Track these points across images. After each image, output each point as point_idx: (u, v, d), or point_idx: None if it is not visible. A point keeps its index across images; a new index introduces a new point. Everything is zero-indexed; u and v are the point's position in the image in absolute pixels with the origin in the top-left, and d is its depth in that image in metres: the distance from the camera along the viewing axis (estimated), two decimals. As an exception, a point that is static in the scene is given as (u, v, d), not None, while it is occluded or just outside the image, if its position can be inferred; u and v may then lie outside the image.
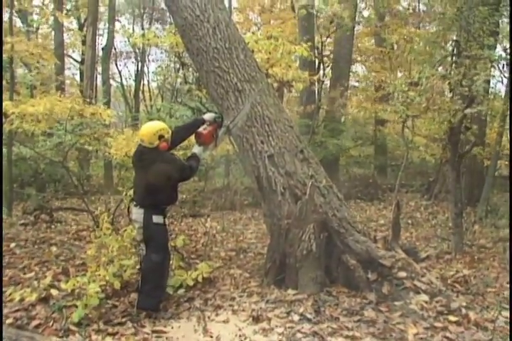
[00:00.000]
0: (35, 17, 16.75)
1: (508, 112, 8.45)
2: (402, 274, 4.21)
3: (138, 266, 4.42)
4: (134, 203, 4.21)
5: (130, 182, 9.50)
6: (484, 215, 8.80)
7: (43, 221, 8.43)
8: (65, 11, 18.44)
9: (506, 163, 12.43)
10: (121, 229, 5.15)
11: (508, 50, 7.82)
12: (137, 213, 4.09)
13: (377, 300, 4.06)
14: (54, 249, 6.21)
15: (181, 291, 4.44)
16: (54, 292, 4.11)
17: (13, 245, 6.35)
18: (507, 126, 8.69)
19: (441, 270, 5.38)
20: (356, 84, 17.93)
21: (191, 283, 4.52)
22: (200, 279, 4.57)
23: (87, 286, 3.89)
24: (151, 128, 4.09)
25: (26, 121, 6.30)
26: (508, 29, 6.42)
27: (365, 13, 12.86)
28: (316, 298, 4.09)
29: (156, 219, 4.05)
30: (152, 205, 4.07)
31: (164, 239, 4.16)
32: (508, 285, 4.80)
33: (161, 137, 4.07)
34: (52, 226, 8.19)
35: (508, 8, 6.02)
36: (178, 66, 16.74)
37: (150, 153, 4.09)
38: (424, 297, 4.05)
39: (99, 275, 4.18)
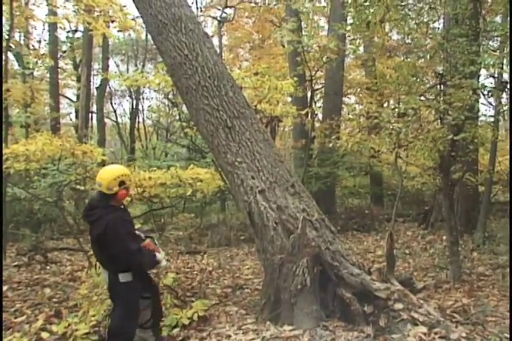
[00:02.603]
0: (31, 59, 17.06)
1: (498, 139, 8.58)
2: (399, 306, 4.16)
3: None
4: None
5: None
6: (482, 242, 8.75)
7: (37, 262, 8.34)
8: (60, 53, 18.91)
9: (502, 188, 12.50)
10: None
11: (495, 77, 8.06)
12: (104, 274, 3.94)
13: (374, 333, 3.99)
14: (47, 290, 6.12)
15: (176, 330, 4.38)
16: (45, 335, 4.04)
17: (5, 288, 6.26)
18: (498, 153, 8.80)
19: (440, 300, 5.31)
20: (348, 115, 18.19)
21: (187, 322, 4.46)
22: (195, 317, 4.51)
23: (77, 327, 3.83)
24: (111, 172, 3.83)
25: (18, 161, 6.35)
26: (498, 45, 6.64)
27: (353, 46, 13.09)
28: (313, 333, 4.02)
29: (124, 277, 3.78)
30: (114, 265, 3.80)
31: (132, 297, 3.85)
32: (509, 314, 4.73)
33: (121, 183, 3.80)
34: (47, 267, 8.09)
35: (486, 40, 6.26)
36: (169, 104, 16.99)
37: (101, 205, 3.79)
38: (423, 328, 3.98)
39: (91, 315, 4.12)
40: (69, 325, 3.94)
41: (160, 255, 3.92)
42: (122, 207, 4.04)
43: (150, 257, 3.83)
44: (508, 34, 6.21)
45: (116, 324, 3.78)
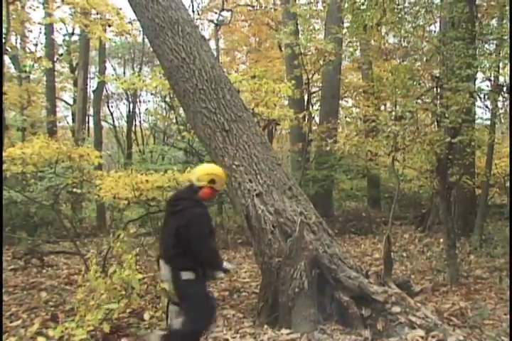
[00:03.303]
0: (28, 63, 17.07)
1: (494, 141, 8.62)
2: (396, 309, 4.16)
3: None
4: (161, 258, 3.84)
5: (122, 223, 9.47)
6: (479, 245, 8.76)
7: (33, 265, 8.30)
8: (57, 56, 18.91)
9: (498, 190, 12.53)
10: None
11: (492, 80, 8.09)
12: (165, 270, 3.75)
13: (372, 336, 3.99)
14: (44, 294, 6.07)
15: (173, 334, 4.35)
16: (41, 340, 4.00)
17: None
18: (494, 155, 8.82)
19: (437, 303, 5.31)
20: (346, 118, 18.22)
21: (184, 326, 4.43)
22: (192, 321, 4.48)
23: (74, 332, 3.81)
24: (208, 167, 3.95)
25: (15, 164, 6.33)
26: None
27: (350, 48, 13.12)
28: (310, 337, 4.02)
29: (186, 275, 3.65)
30: (179, 261, 3.67)
31: (198, 297, 3.71)
32: (506, 317, 4.74)
33: (211, 181, 3.78)
34: (43, 271, 8.05)
35: (482, 43, 6.29)
36: (166, 107, 17.00)
37: (187, 197, 3.78)
38: (420, 332, 3.98)
39: (88, 320, 4.10)
40: (65, 329, 3.91)
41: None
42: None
43: (221, 260, 3.87)
44: (505, 37, 6.24)
45: (187, 326, 3.67)
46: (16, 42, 17.63)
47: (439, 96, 6.47)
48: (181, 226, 3.59)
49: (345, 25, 11.26)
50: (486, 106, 7.53)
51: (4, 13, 9.76)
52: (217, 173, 3.86)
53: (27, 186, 10.52)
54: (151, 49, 6.87)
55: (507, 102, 7.35)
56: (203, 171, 3.83)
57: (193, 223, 3.59)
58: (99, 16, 11.04)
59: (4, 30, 10.35)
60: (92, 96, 18.53)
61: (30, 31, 17.15)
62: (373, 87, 12.96)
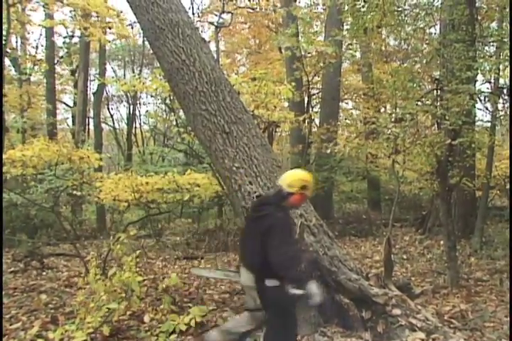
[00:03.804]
0: (28, 65, 17.10)
1: (495, 144, 8.61)
2: (397, 311, 4.15)
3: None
4: (243, 265, 3.71)
5: (122, 226, 9.48)
6: (479, 247, 8.75)
7: (33, 268, 8.30)
8: (57, 58, 18.94)
9: (498, 192, 12.53)
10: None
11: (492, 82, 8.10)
12: (247, 278, 3.62)
13: (372, 339, 3.99)
14: (43, 296, 6.06)
15: (174, 337, 4.34)
16: (41, 342, 4.01)
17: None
18: (495, 157, 8.83)
19: (438, 305, 5.30)
20: (346, 120, 18.24)
21: (184, 328, 4.43)
22: (193, 323, 4.48)
23: (74, 334, 3.80)
24: (299, 173, 3.78)
25: (15, 166, 6.34)
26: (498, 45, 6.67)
27: (351, 51, 13.14)
28: (311, 339, 4.03)
29: (270, 282, 3.51)
30: (263, 267, 3.50)
31: (285, 302, 3.56)
32: (507, 319, 4.73)
33: (303, 187, 3.66)
34: (43, 273, 8.05)
35: (481, 45, 6.29)
36: (166, 109, 17.00)
37: (273, 202, 3.65)
38: (421, 334, 3.98)
39: (88, 322, 4.09)
40: (65, 331, 3.90)
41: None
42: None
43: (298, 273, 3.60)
44: (505, 40, 6.25)
45: (273, 337, 3.59)
46: (17, 45, 17.66)
47: (439, 99, 6.47)
48: (264, 231, 3.47)
49: (346, 27, 11.27)
50: (487, 108, 7.54)
51: (4, 15, 9.77)
52: (309, 179, 3.74)
53: (27, 188, 10.52)
54: (151, 51, 6.87)
55: (507, 104, 7.34)
56: (295, 177, 3.71)
57: (274, 228, 3.47)
58: (99, 19, 11.06)
59: (4, 32, 10.36)
60: (92, 98, 18.56)
61: (30, 33, 17.12)
62: (373, 89, 12.99)
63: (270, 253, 3.40)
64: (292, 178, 3.67)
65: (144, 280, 5.37)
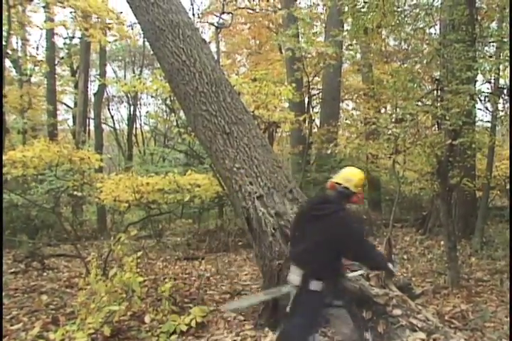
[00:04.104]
0: (29, 66, 17.12)
1: (495, 144, 8.61)
2: (397, 312, 4.15)
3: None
4: (293, 262, 3.67)
5: (123, 226, 9.49)
6: (480, 247, 8.75)
7: (34, 268, 8.30)
8: (58, 59, 18.96)
9: (499, 193, 12.53)
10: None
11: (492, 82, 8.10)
12: (295, 274, 3.56)
13: (373, 339, 3.97)
14: (44, 297, 6.06)
15: (174, 337, 4.35)
16: (42, 343, 4.02)
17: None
18: (495, 158, 8.84)
19: (438, 305, 5.30)
20: (346, 121, 18.23)
21: (185, 329, 4.44)
22: (193, 324, 4.49)
23: (75, 335, 3.80)
24: (360, 173, 3.75)
25: (15, 167, 6.35)
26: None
27: (351, 51, 13.14)
28: (311, 340, 4.00)
29: (314, 285, 3.46)
30: (316, 267, 3.49)
31: (317, 307, 3.56)
32: (507, 319, 4.73)
33: (363, 186, 3.74)
34: (44, 274, 8.06)
35: (481, 45, 6.30)
36: (167, 110, 17.01)
37: (335, 201, 3.60)
38: (421, 334, 3.98)
39: (88, 323, 4.09)
40: (66, 332, 3.91)
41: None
42: None
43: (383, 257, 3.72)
44: (505, 40, 6.25)
45: (293, 333, 3.53)
46: (17, 46, 17.67)
47: (439, 99, 6.47)
48: (327, 230, 3.43)
49: (346, 28, 11.27)
50: (487, 109, 7.54)
51: (5, 16, 9.78)
52: (364, 178, 3.79)
53: (28, 189, 10.53)
54: (152, 52, 6.88)
55: (507, 104, 7.35)
56: (359, 176, 3.71)
57: (343, 227, 3.46)
58: (99, 20, 11.06)
59: (5, 34, 10.37)
60: (92, 99, 18.56)
61: (30, 34, 17.14)
62: (374, 90, 12.96)
63: (353, 252, 3.47)
64: (358, 177, 3.68)
65: (145, 280, 5.37)
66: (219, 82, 5.25)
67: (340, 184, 3.64)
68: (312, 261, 3.47)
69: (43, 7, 13.81)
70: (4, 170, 6.43)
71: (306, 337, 3.52)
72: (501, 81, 7.96)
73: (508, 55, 6.11)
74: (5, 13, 9.90)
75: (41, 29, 15.42)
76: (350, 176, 3.68)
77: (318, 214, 3.53)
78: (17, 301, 6.04)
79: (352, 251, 3.48)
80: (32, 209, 10.98)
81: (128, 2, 5.70)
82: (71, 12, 11.40)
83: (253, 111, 7.68)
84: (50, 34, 16.76)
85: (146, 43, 16.66)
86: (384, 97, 12.81)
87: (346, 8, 7.71)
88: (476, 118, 7.72)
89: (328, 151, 7.83)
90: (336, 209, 3.49)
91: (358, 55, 13.85)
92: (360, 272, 3.97)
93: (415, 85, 6.57)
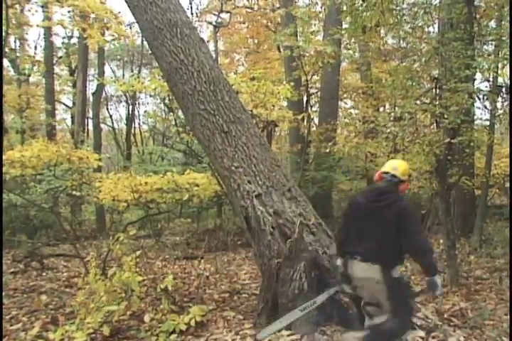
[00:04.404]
0: (26, 66, 17.10)
1: (494, 142, 8.62)
2: (397, 310, 4.14)
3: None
4: (358, 257, 3.64)
5: (121, 226, 9.47)
6: (479, 245, 8.76)
7: (33, 268, 8.30)
8: (56, 59, 18.94)
9: (497, 191, 12.54)
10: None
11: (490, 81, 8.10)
12: (368, 269, 3.57)
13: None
14: (44, 297, 6.06)
15: (174, 336, 4.34)
16: (41, 343, 4.01)
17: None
18: (494, 156, 8.85)
19: (437, 304, 5.29)
20: (345, 119, 18.22)
21: (184, 328, 4.43)
22: (193, 323, 4.48)
23: (75, 335, 3.80)
24: (405, 163, 3.94)
25: (14, 167, 6.34)
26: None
27: (349, 50, 13.14)
28: (310, 338, 4.01)
29: (396, 273, 3.58)
30: (389, 257, 3.56)
31: (407, 293, 3.74)
32: (506, 317, 4.73)
33: (410, 175, 3.90)
34: (43, 274, 8.05)
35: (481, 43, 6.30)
36: (166, 109, 17.00)
37: (391, 191, 3.69)
38: (420, 333, 3.98)
39: (88, 322, 4.09)
40: (66, 332, 3.90)
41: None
42: None
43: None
44: (503, 38, 6.25)
45: (398, 324, 3.62)
46: (15, 45, 17.66)
47: (438, 97, 6.48)
48: (393, 220, 3.51)
49: (344, 26, 11.26)
50: (485, 107, 7.53)
51: (3, 16, 9.77)
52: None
53: (26, 189, 10.52)
54: (150, 51, 6.88)
55: (506, 103, 7.35)
56: (406, 165, 3.87)
57: (406, 215, 3.54)
58: (97, 20, 11.04)
59: (3, 33, 10.35)
60: (91, 98, 18.54)
61: (27, 33, 17.10)
62: (372, 88, 12.98)
63: (408, 239, 3.48)
64: (404, 167, 3.81)
65: (144, 280, 5.36)
66: (217, 81, 5.24)
67: (388, 172, 3.77)
68: (385, 252, 3.53)
69: (41, 7, 13.81)
70: (3, 170, 6.42)
71: (410, 321, 3.71)
72: (500, 79, 7.97)
73: (507, 53, 6.12)
74: (3, 13, 9.88)
75: (38, 26, 15.37)
76: (396, 165, 3.81)
77: (378, 205, 3.61)
78: (16, 301, 6.03)
79: (411, 239, 3.51)
80: (31, 209, 10.97)
81: (126, 1, 5.69)
82: (69, 11, 11.39)
83: (251, 110, 7.67)
84: (48, 33, 16.73)
85: (145, 42, 16.64)
86: (382, 96, 12.83)
87: (345, 7, 7.71)
88: (475, 117, 7.71)
89: (327, 150, 7.85)
90: (396, 198, 3.61)
91: (357, 54, 13.87)
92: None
93: (414, 84, 6.58)
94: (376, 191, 3.80)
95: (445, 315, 4.78)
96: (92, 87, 20.57)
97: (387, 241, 3.53)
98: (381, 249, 3.53)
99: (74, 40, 18.84)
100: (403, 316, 3.64)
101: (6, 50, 13.78)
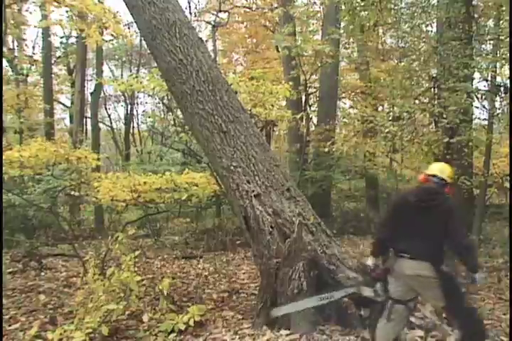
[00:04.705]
0: (25, 65, 17.09)
1: (492, 142, 8.62)
2: (395, 310, 4.15)
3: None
4: (406, 255, 3.67)
5: (120, 225, 9.48)
6: (477, 245, 8.76)
7: (31, 268, 8.28)
8: (54, 58, 18.92)
9: (496, 191, 12.54)
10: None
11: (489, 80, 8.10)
12: (418, 267, 3.63)
13: (371, 337, 3.98)
14: (42, 297, 6.06)
15: (172, 336, 4.34)
16: (40, 343, 4.00)
17: None
18: (492, 156, 8.82)
19: (436, 303, 5.30)
20: (343, 119, 18.24)
21: (183, 327, 4.43)
22: (191, 323, 4.48)
23: (73, 334, 3.79)
24: (449, 166, 4.03)
25: (12, 167, 6.33)
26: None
27: (348, 50, 13.14)
28: (309, 338, 4.02)
29: (447, 269, 3.69)
30: (440, 255, 3.68)
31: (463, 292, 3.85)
32: (505, 316, 4.73)
33: (453, 179, 4.00)
34: (42, 274, 8.03)
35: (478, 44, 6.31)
36: (164, 109, 16.99)
37: (441, 192, 3.77)
38: (419, 332, 4.00)
39: (86, 322, 4.08)
40: (64, 332, 3.90)
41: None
42: None
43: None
44: (502, 37, 6.26)
45: (468, 319, 3.69)
46: (13, 45, 17.63)
47: (436, 97, 6.49)
48: (442, 219, 3.62)
49: (343, 26, 11.26)
50: (484, 107, 7.54)
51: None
52: None
53: (25, 189, 10.50)
54: (149, 51, 6.86)
55: (504, 102, 7.36)
56: (450, 169, 3.96)
57: (455, 215, 3.64)
58: (95, 19, 11.01)
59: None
60: (89, 98, 18.53)
61: (24, 33, 17.08)
62: (371, 88, 12.99)
63: (456, 237, 3.60)
64: (450, 170, 3.93)
65: (143, 279, 5.37)
66: (216, 81, 5.23)
67: (435, 175, 3.86)
68: (434, 250, 3.64)
69: (39, 6, 13.77)
70: (2, 170, 6.41)
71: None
72: (498, 79, 7.97)
73: (505, 52, 6.12)
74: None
75: (36, 27, 15.35)
76: (443, 168, 3.92)
77: (431, 205, 3.69)
78: (15, 301, 6.02)
79: (459, 238, 3.61)
80: (29, 209, 10.96)
81: (124, 1, 5.68)
82: (67, 11, 11.36)
83: (250, 110, 7.67)
84: (47, 33, 16.71)
85: (143, 42, 16.65)
86: (381, 95, 12.84)
87: (343, 6, 7.71)
88: (473, 116, 7.72)
89: (326, 149, 7.84)
90: (445, 199, 3.71)
91: (355, 53, 13.87)
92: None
93: (412, 83, 6.59)
94: (428, 191, 3.86)
95: (444, 315, 4.78)
96: (90, 87, 20.59)
97: (436, 239, 3.65)
98: (431, 247, 3.64)
99: (72, 40, 18.85)
100: (470, 310, 3.76)
101: (4, 49, 13.75)
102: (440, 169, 3.92)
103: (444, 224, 3.59)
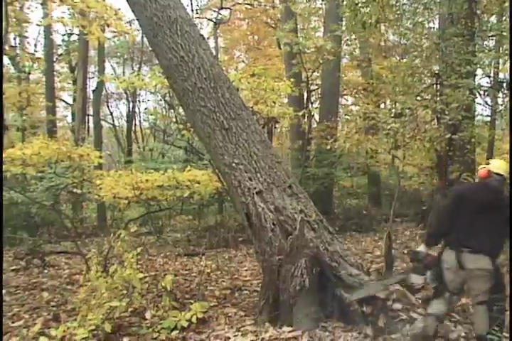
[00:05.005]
0: (27, 63, 17.09)
1: (494, 138, 8.61)
2: (398, 306, 4.16)
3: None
4: (466, 249, 3.75)
5: (123, 223, 9.48)
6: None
7: (34, 266, 8.31)
8: (56, 56, 18.92)
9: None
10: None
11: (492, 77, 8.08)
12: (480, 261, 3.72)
13: (373, 333, 3.99)
14: (45, 294, 6.08)
15: (175, 333, 4.35)
16: (43, 340, 4.00)
17: (3, 292, 6.23)
18: (495, 152, 8.83)
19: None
20: (345, 116, 18.21)
21: (185, 324, 4.44)
22: (194, 320, 4.48)
23: (76, 331, 3.81)
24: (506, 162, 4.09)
25: (14, 164, 6.33)
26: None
27: (349, 47, 13.11)
28: (312, 334, 4.02)
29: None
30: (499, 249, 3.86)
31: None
32: (506, 313, 4.73)
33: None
34: (45, 271, 8.07)
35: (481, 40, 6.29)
36: (166, 106, 17.00)
37: (503, 190, 3.91)
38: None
39: (89, 319, 4.10)
40: (67, 329, 3.91)
41: None
42: None
43: None
44: (504, 34, 6.23)
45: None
46: (15, 43, 17.65)
47: (438, 93, 6.47)
48: (506, 215, 3.70)
49: (345, 22, 11.23)
50: (486, 103, 7.53)
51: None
52: None
53: (27, 186, 10.53)
54: (150, 48, 6.86)
55: (507, 99, 7.33)
56: (507, 165, 3.99)
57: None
58: (97, 17, 11.01)
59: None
60: (91, 95, 18.54)
61: (26, 31, 17.09)
62: (373, 85, 12.95)
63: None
64: (507, 166, 3.96)
65: (145, 277, 5.38)
66: (217, 78, 5.23)
67: (501, 174, 3.89)
68: (495, 244, 3.79)
69: (41, 4, 13.78)
70: (3, 167, 6.42)
71: None
72: (501, 75, 7.96)
73: (508, 49, 6.10)
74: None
75: (38, 25, 15.36)
76: (505, 166, 3.96)
77: (498, 200, 3.82)
78: (18, 298, 6.04)
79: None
80: (32, 207, 10.98)
81: (126, -2, 5.67)
82: (69, 9, 11.36)
83: (252, 107, 7.66)
84: (48, 31, 16.71)
85: (145, 39, 16.64)
86: (383, 92, 12.80)
87: (345, 2, 7.68)
88: (476, 113, 7.72)
89: (328, 146, 7.82)
90: (508, 195, 3.86)
91: (357, 50, 13.84)
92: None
93: (414, 80, 6.57)
94: (494, 188, 3.92)
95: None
96: (92, 84, 20.57)
97: (498, 234, 3.77)
98: (493, 241, 3.75)
99: (74, 38, 18.83)
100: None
101: (6, 47, 13.76)
102: (502, 167, 3.96)
103: (507, 219, 3.68)
